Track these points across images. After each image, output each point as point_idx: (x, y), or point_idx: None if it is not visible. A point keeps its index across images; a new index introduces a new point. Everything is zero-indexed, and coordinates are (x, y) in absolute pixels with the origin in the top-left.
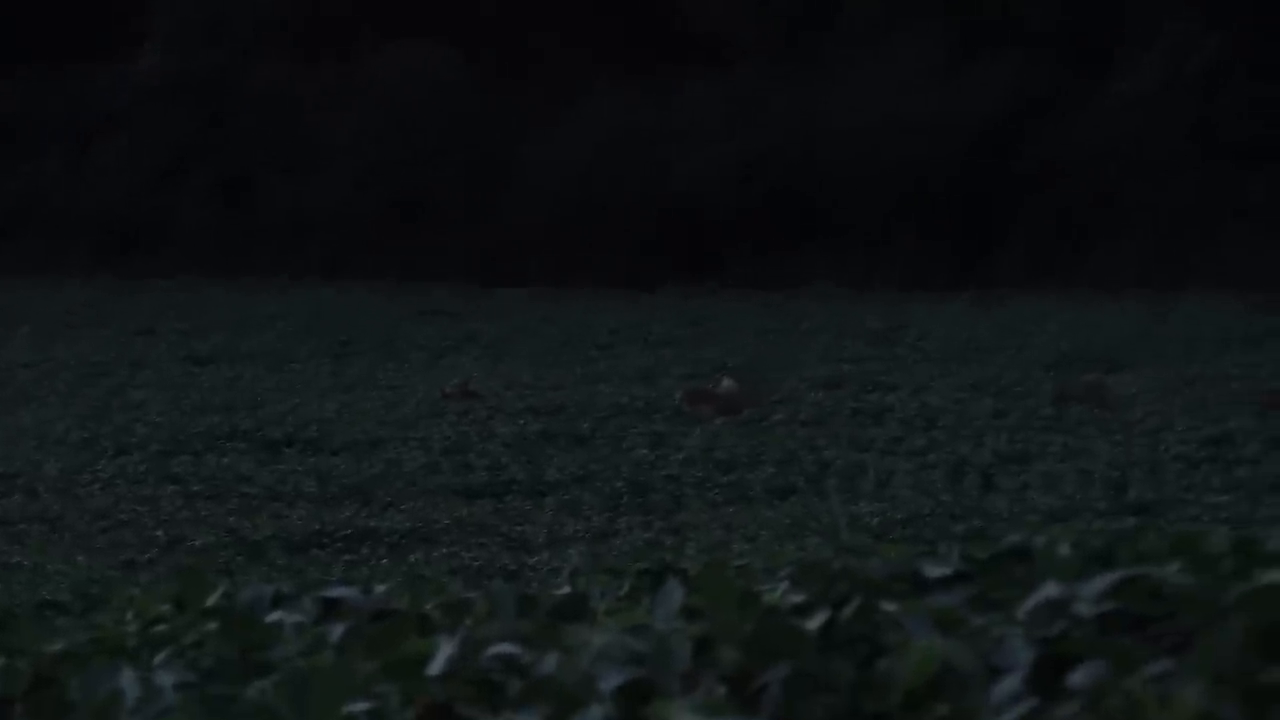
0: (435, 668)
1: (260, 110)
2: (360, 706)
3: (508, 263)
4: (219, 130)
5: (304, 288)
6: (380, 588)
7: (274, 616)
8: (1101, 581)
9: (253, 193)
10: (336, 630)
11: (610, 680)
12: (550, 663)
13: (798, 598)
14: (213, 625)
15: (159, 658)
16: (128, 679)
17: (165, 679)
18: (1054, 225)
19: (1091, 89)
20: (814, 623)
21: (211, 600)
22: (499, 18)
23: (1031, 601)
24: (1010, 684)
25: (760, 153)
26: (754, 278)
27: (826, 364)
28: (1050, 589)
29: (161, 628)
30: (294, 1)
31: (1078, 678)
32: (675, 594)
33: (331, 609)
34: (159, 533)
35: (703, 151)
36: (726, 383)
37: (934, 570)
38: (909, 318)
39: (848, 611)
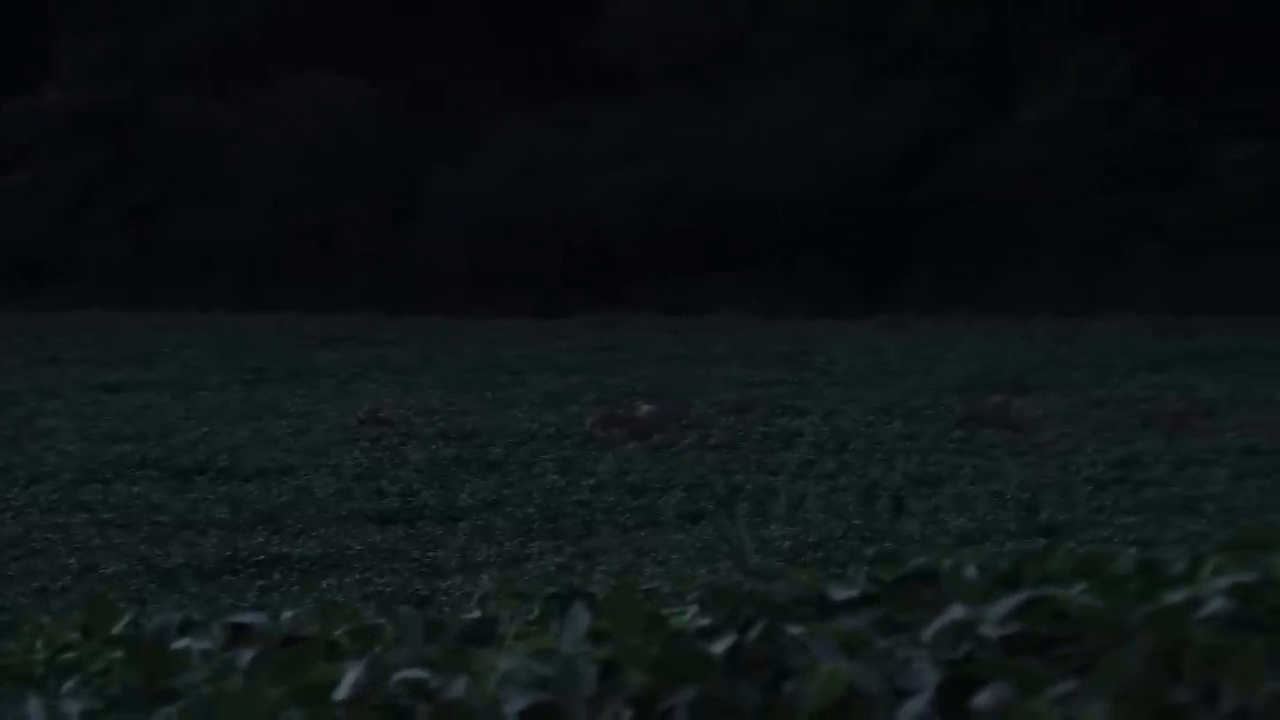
0: (342, 693)
1: (168, 142)
2: None
3: (417, 290)
4: (127, 162)
5: (213, 316)
6: (289, 614)
7: (182, 643)
8: (1007, 603)
9: (161, 224)
10: (245, 656)
11: (516, 704)
12: (457, 687)
13: (705, 621)
14: (120, 653)
15: (66, 685)
16: (34, 707)
17: (72, 706)
18: (962, 251)
19: (1000, 117)
20: (720, 646)
21: (119, 628)
22: (408, 49)
23: (937, 624)
24: (916, 706)
25: (669, 181)
26: (663, 304)
27: (736, 389)
28: (956, 611)
29: (69, 655)
30: (202, 34)
31: (983, 699)
32: (582, 618)
33: (240, 635)
34: (71, 560)
35: (612, 180)
36: (645, 408)
37: (840, 593)
38: (818, 343)
39: (754, 635)
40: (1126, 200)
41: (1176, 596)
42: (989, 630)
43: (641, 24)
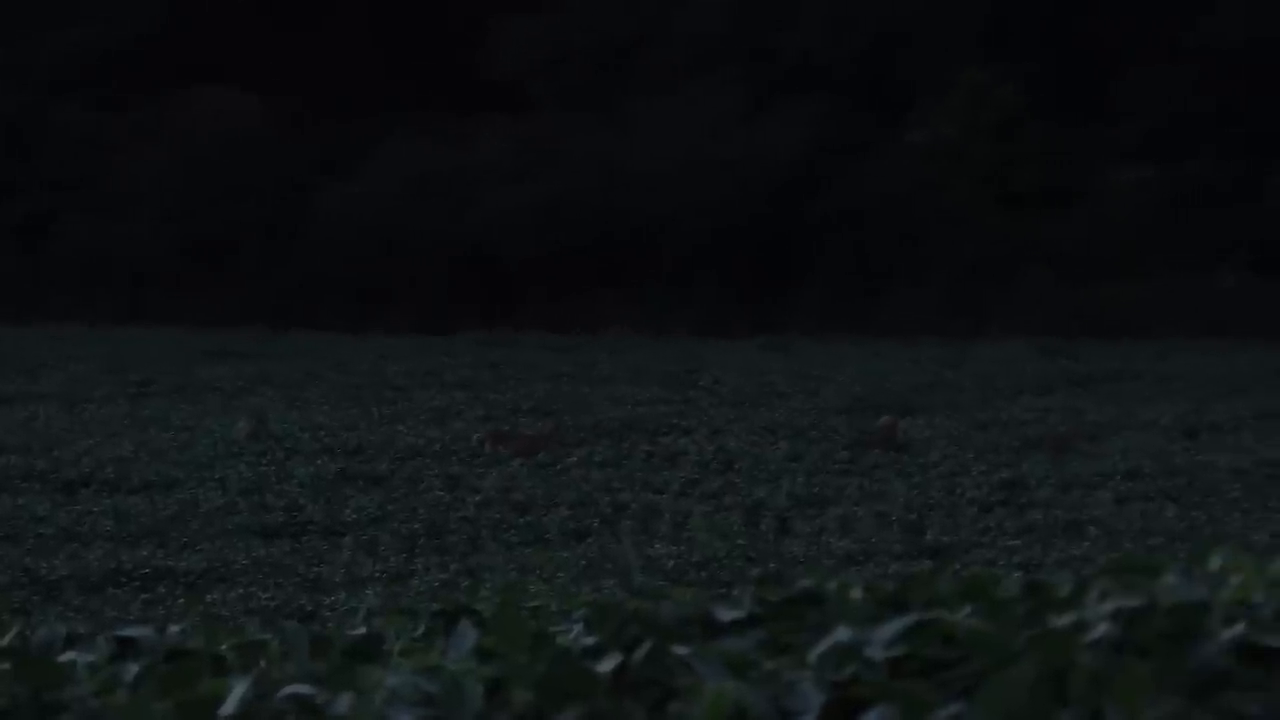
0: (228, 708)
1: (58, 153)
2: None
3: (304, 305)
4: (16, 173)
5: (101, 329)
6: (175, 628)
7: (67, 656)
8: (893, 626)
9: (50, 235)
10: (130, 670)
11: None
12: (343, 704)
13: (590, 640)
14: (5, 666)
15: None
16: None
17: None
18: (850, 271)
19: (888, 137)
20: (606, 665)
21: (4, 641)
22: (298, 65)
23: (823, 645)
24: None
25: (558, 198)
26: (550, 321)
27: (622, 407)
28: (842, 633)
29: None
30: (93, 46)
31: None
32: (468, 635)
33: (126, 649)
34: None
35: (500, 197)
36: (531, 425)
37: (726, 614)
38: (704, 362)
39: (639, 654)
40: (1014, 222)
41: (1062, 620)
42: (875, 652)
43: (531, 41)
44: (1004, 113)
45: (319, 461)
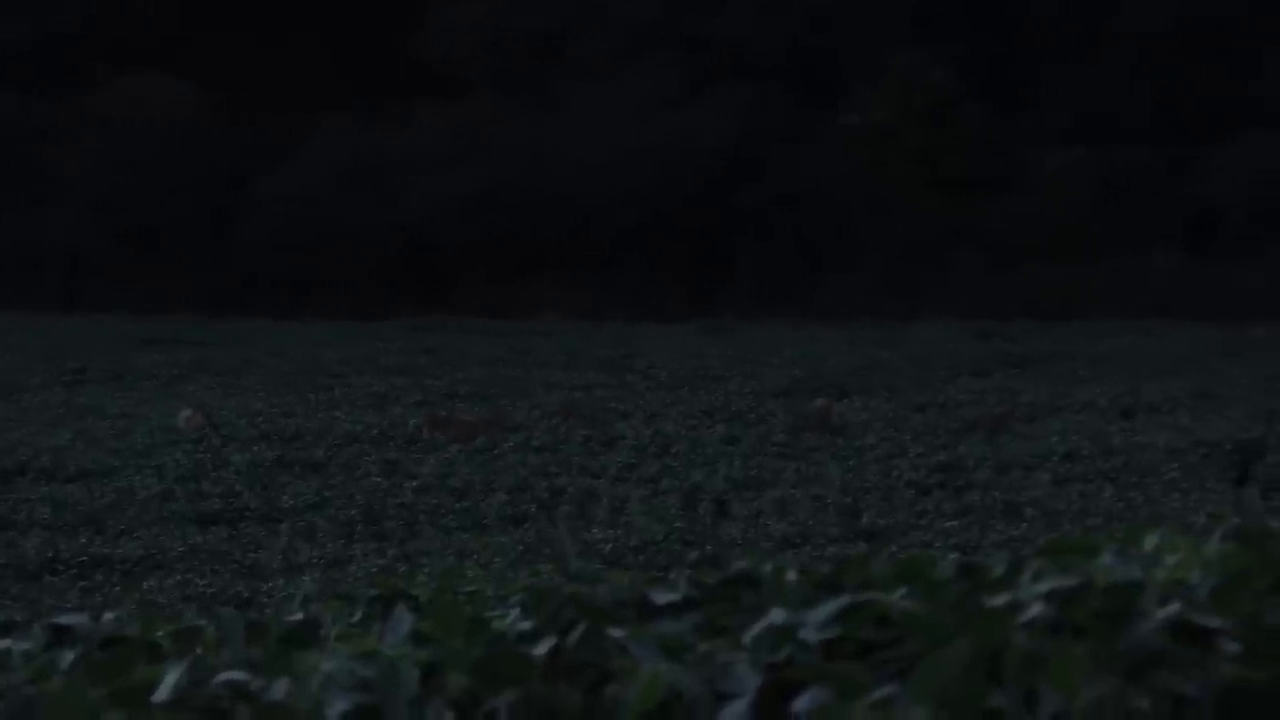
0: (163, 695)
1: None
2: None
3: (240, 292)
4: None
5: (36, 318)
6: (110, 615)
7: (3, 644)
8: (828, 608)
9: None
10: (66, 658)
11: (338, 706)
12: (279, 689)
13: (527, 624)
14: None
15: None
16: None
17: None
18: (785, 255)
19: (822, 121)
20: (541, 649)
21: None
22: (231, 51)
23: (758, 627)
24: (736, 709)
25: (492, 183)
26: (486, 307)
27: (558, 392)
28: (776, 615)
29: None
30: (24, 34)
31: (802, 703)
32: (405, 620)
33: (61, 636)
34: None
35: (435, 182)
36: (468, 410)
37: (662, 597)
38: (640, 346)
39: (574, 637)
40: (948, 205)
41: (997, 601)
42: (809, 634)
43: (465, 27)
44: (936, 97)
45: (256, 448)
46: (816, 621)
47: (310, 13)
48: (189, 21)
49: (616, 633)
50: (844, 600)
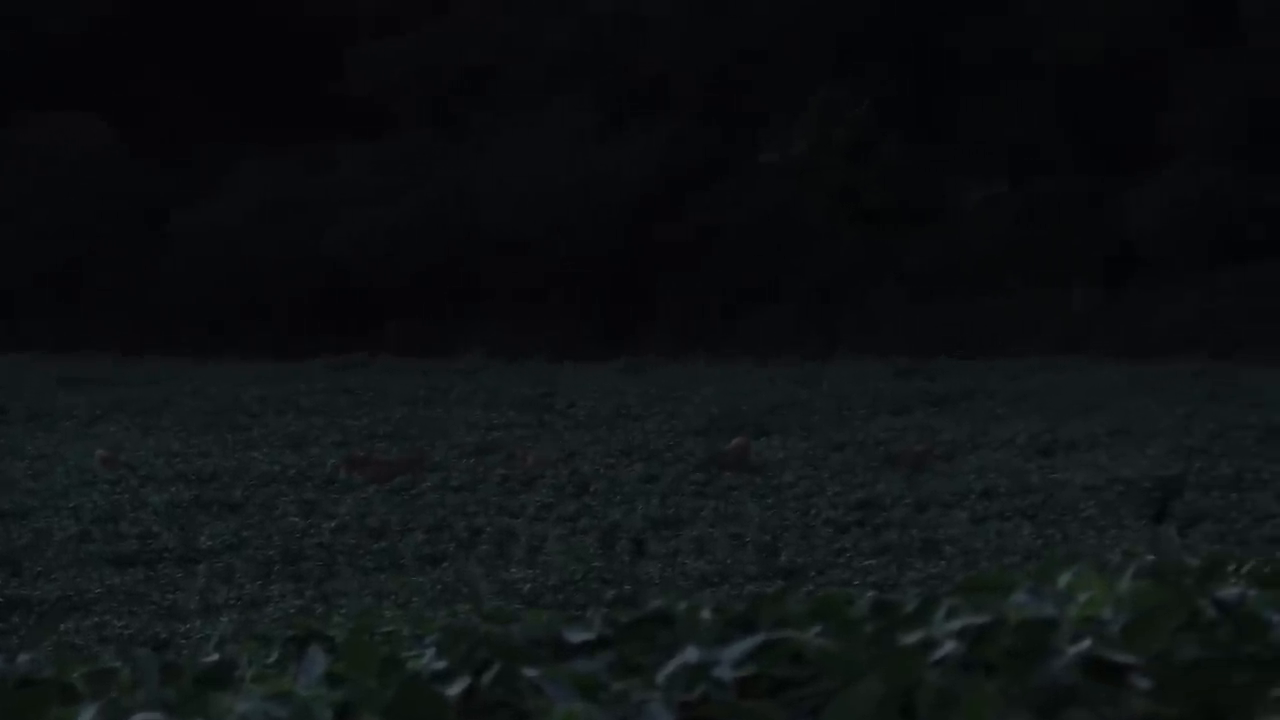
0: None
1: None
2: None
3: (159, 331)
4: None
5: None
6: (25, 656)
7: None
8: (742, 645)
9: None
10: None
11: None
12: None
13: (441, 664)
14: None
15: None
16: None
17: None
18: (705, 292)
19: (742, 157)
20: (455, 689)
21: None
22: (153, 89)
23: (672, 665)
24: None
25: (414, 221)
26: (406, 346)
27: (477, 431)
28: (691, 653)
29: None
30: None
31: None
32: (319, 661)
33: None
34: None
35: (356, 219)
36: (387, 450)
37: (577, 636)
38: (560, 385)
39: (488, 677)
40: (868, 241)
41: (910, 639)
42: (723, 672)
43: (386, 64)
44: (857, 132)
45: (173, 489)
46: (731, 659)
47: (232, 50)
48: (109, 59)
49: (531, 672)
50: (759, 638)
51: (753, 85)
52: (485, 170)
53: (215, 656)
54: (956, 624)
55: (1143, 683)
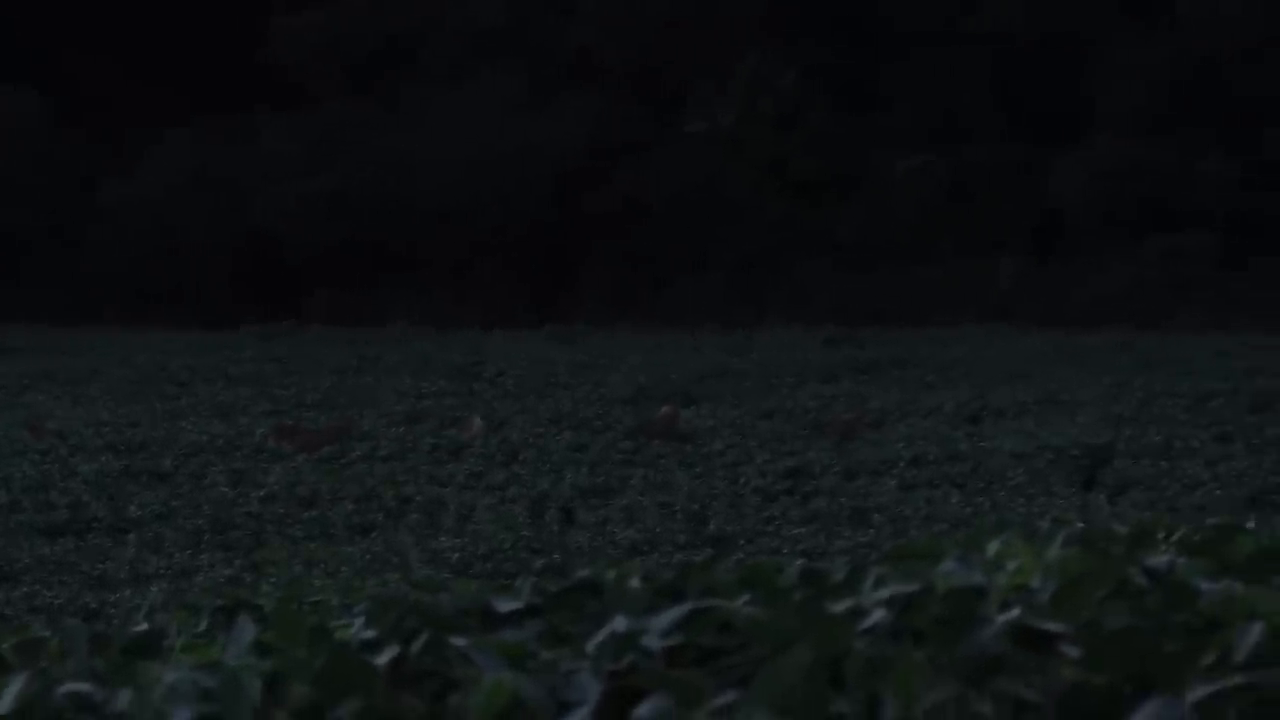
0: (5, 706)
1: None
2: None
3: (86, 302)
4: None
5: None
6: None
7: None
8: (670, 614)
9: None
10: None
11: (181, 716)
12: (123, 699)
13: (370, 634)
14: None
15: None
16: None
17: None
18: (632, 262)
19: (669, 128)
20: (384, 658)
21: None
22: (78, 60)
23: (600, 635)
24: (579, 717)
25: (340, 191)
26: (335, 315)
27: (406, 400)
28: (619, 623)
29: None
30: None
31: (644, 710)
32: (247, 631)
33: None
34: None
35: (283, 190)
36: (316, 419)
37: (505, 605)
38: (489, 354)
39: (417, 646)
40: (795, 211)
41: (838, 607)
42: (651, 641)
43: (312, 35)
44: (783, 102)
45: (103, 458)
46: (659, 628)
47: (157, 22)
48: (34, 31)
49: (459, 641)
50: (687, 607)
51: (680, 56)
52: (412, 141)
53: (144, 626)
54: (885, 592)
55: (1071, 651)
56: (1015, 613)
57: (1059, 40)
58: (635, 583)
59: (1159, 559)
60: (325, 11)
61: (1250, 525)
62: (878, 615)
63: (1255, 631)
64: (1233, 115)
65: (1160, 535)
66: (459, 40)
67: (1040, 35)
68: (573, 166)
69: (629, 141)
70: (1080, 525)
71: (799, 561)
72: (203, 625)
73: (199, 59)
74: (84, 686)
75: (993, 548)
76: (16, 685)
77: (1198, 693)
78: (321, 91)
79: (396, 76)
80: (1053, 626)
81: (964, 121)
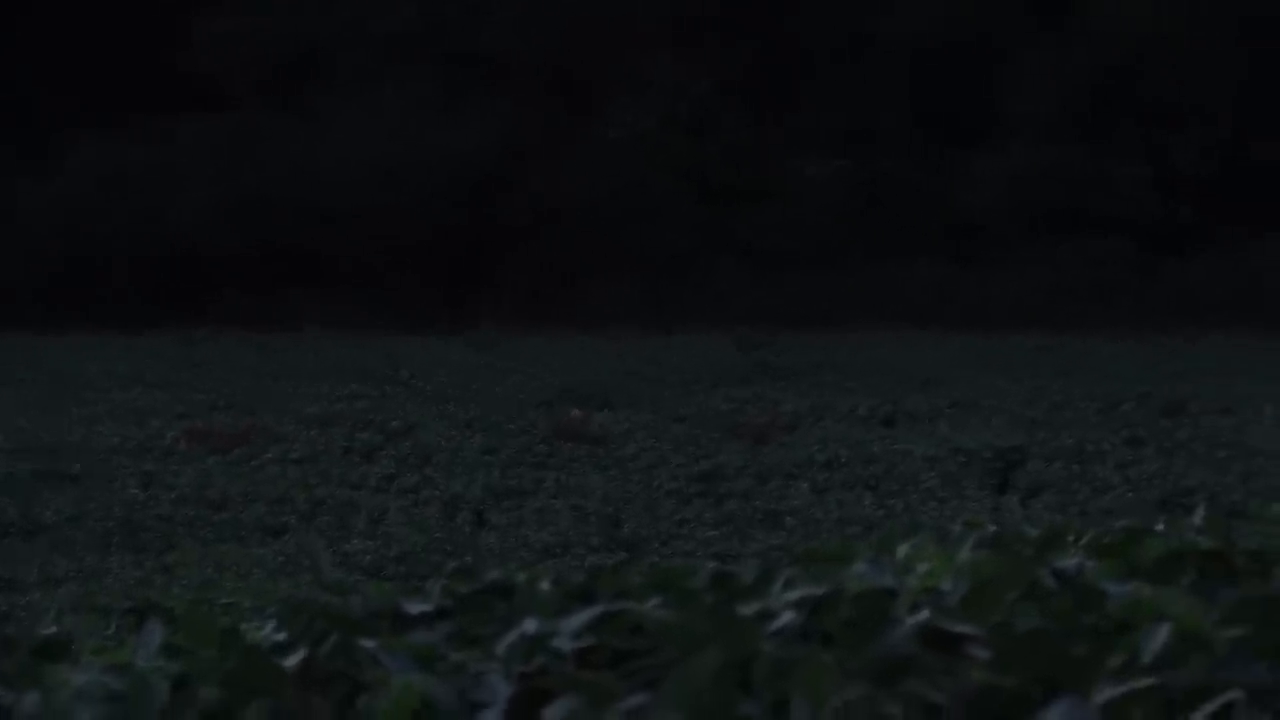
0: None
1: None
2: None
3: None
4: None
5: None
6: None
7: None
8: (581, 616)
9: None
10: None
11: (87, 719)
12: (29, 702)
13: (280, 636)
14: None
15: None
16: None
17: None
18: (547, 265)
19: (584, 133)
20: (292, 660)
21: None
22: None
23: (510, 637)
24: (487, 719)
25: (253, 196)
26: (248, 319)
27: (319, 403)
28: (529, 624)
29: None
30: None
31: (553, 713)
32: (156, 632)
33: None
34: None
35: (196, 194)
36: (227, 422)
37: (415, 607)
38: (403, 358)
39: (326, 648)
40: (709, 215)
41: (748, 609)
42: (562, 643)
43: (227, 39)
44: (698, 107)
45: (14, 462)
46: (569, 630)
47: (73, 24)
48: None
49: (369, 643)
50: (598, 609)
51: (593, 61)
52: (326, 146)
53: (53, 629)
54: (795, 594)
55: (981, 653)
56: (925, 615)
57: (971, 47)
58: (546, 585)
59: (1068, 561)
60: (244, 17)
61: (1159, 528)
62: (787, 617)
63: (1163, 633)
64: (1145, 121)
65: (1070, 538)
66: (373, 45)
67: (953, 42)
68: (486, 171)
69: (543, 146)
70: (992, 528)
71: (710, 564)
72: (112, 627)
73: (116, 62)
74: None
75: (904, 550)
76: None
77: (1106, 694)
78: (238, 95)
79: (312, 81)
80: (963, 628)
81: (877, 127)
